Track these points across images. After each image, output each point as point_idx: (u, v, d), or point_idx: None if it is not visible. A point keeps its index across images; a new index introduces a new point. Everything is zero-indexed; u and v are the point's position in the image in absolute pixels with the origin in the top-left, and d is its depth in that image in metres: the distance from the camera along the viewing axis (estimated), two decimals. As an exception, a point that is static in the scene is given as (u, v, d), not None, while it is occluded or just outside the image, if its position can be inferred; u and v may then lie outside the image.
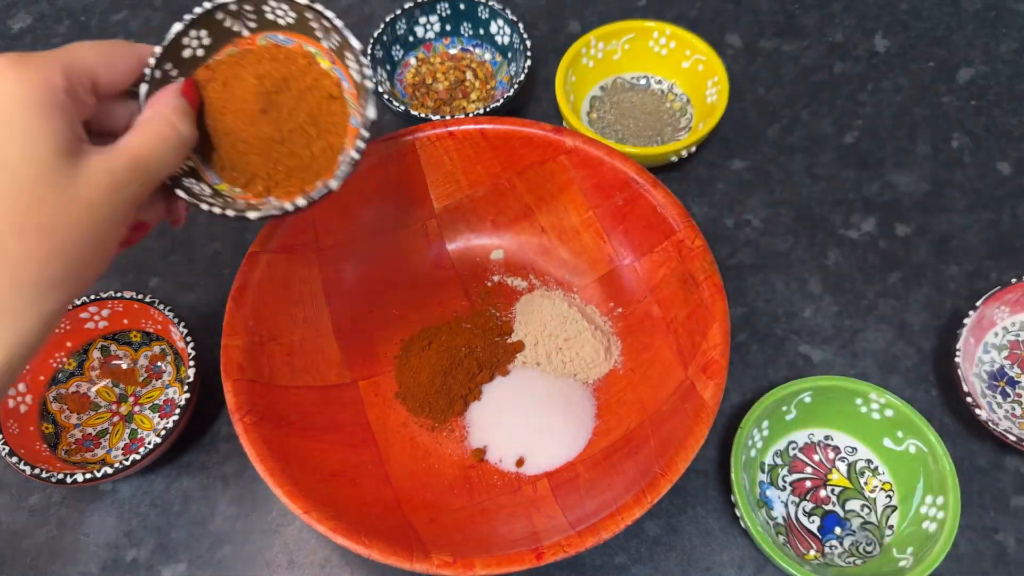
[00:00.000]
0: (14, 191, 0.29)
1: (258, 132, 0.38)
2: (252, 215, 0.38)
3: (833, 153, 0.64)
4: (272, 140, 0.39)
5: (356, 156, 0.38)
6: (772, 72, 0.68)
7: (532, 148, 0.53)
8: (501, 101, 0.60)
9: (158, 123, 0.34)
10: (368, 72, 0.39)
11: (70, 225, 0.30)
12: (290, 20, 0.40)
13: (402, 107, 0.59)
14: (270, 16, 0.39)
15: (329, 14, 0.39)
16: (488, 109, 0.60)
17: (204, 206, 0.38)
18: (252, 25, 0.40)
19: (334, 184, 0.38)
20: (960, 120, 0.65)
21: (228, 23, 0.39)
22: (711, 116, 0.59)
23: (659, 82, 0.66)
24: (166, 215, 0.39)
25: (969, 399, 0.48)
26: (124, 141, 0.33)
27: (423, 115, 0.59)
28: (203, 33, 0.39)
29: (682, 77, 0.65)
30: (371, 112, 0.39)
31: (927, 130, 0.65)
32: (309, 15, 0.39)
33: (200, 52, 0.39)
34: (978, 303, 0.50)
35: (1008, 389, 0.52)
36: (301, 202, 0.38)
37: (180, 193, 0.37)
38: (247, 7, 0.39)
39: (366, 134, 0.39)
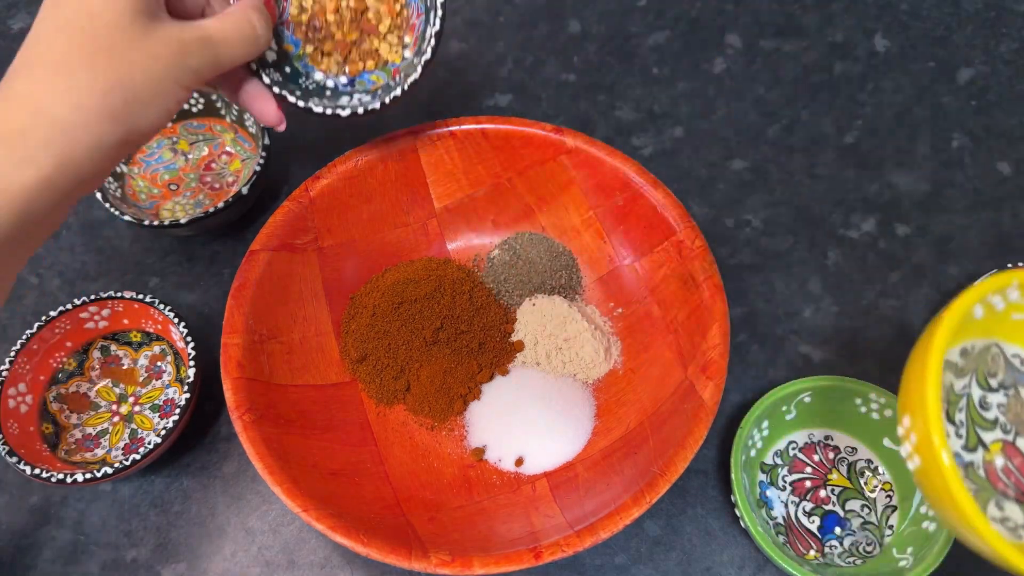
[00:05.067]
0: (91, 31, 0.33)
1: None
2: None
3: (833, 153, 0.64)
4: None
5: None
6: (772, 72, 0.68)
7: (533, 148, 0.53)
8: (426, 31, 0.46)
9: (239, 17, 0.39)
10: None
11: (134, 68, 0.34)
12: None
13: (301, 78, 0.47)
14: None
15: None
16: (425, 45, 0.45)
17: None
18: None
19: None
20: (960, 120, 0.65)
21: None
22: None
23: None
24: (258, 114, 0.45)
25: None
26: (202, 22, 0.38)
27: (329, 77, 0.47)
28: None
29: None
30: None
31: (927, 130, 0.65)
32: None
33: None
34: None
35: None
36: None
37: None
38: None
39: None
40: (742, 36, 0.71)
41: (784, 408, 0.49)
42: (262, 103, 0.44)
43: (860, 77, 0.68)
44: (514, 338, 0.53)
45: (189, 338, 0.50)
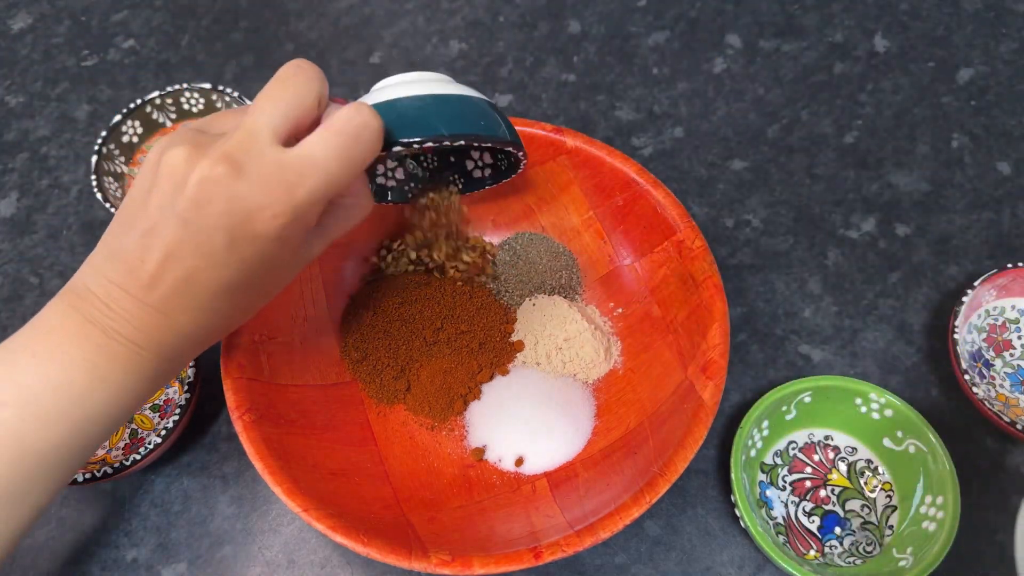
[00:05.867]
0: (268, 280, 0.36)
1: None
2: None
3: (833, 153, 0.64)
4: None
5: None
6: (772, 72, 0.68)
7: (533, 148, 0.53)
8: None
9: (358, 211, 0.39)
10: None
11: (279, 289, 0.39)
12: None
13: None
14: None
15: None
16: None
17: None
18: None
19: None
20: (960, 120, 0.65)
21: (154, 115, 0.43)
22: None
23: None
24: None
25: (967, 376, 0.48)
26: (333, 227, 0.38)
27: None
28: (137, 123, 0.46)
29: None
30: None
31: (927, 130, 0.65)
32: None
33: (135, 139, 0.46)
34: (976, 283, 0.52)
35: (984, 370, 0.53)
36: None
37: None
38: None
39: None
40: (742, 36, 0.71)
41: (784, 408, 0.49)
42: None
43: (860, 77, 0.68)
44: (514, 338, 0.53)
45: (189, 338, 0.50)
